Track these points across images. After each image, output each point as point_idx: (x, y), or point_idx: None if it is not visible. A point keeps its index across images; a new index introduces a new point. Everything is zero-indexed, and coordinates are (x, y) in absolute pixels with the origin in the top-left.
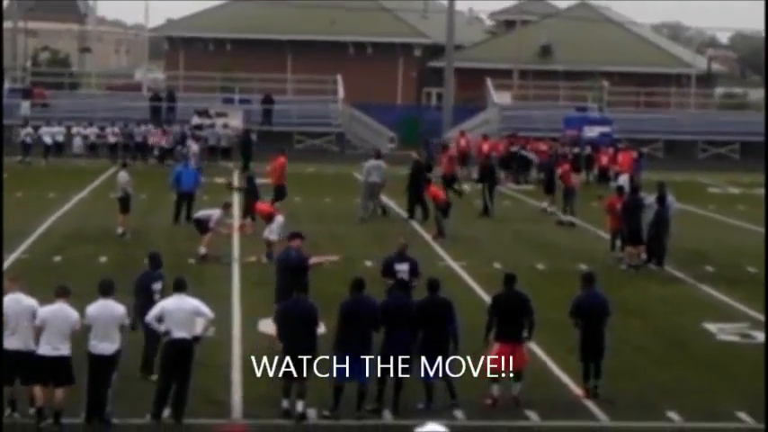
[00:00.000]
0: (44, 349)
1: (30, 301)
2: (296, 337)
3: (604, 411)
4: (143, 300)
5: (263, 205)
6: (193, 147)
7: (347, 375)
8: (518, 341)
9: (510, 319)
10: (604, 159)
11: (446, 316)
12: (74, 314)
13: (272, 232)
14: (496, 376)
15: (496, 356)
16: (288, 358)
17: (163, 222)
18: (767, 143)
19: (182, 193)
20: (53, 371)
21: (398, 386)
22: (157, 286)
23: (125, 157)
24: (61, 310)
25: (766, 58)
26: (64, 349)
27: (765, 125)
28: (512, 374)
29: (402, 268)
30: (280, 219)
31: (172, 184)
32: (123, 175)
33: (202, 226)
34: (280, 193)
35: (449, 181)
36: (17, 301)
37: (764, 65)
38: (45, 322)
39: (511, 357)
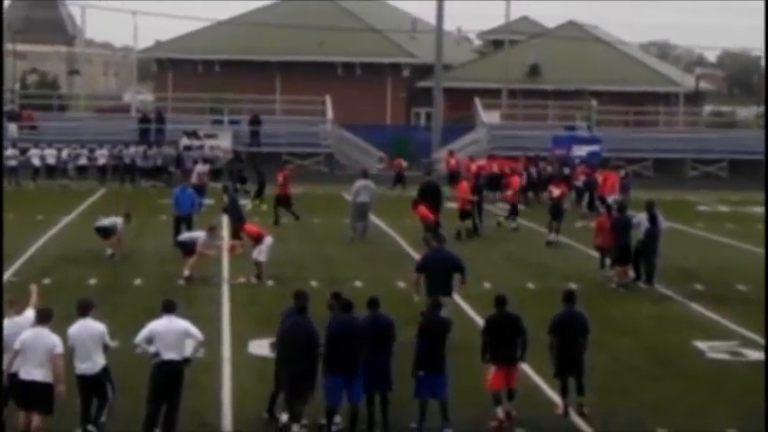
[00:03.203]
0: (21, 374)
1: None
2: (293, 359)
3: (594, 430)
4: None
5: (251, 226)
6: (199, 167)
7: (339, 397)
8: (512, 362)
9: (503, 340)
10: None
11: (446, 335)
12: (52, 339)
13: (261, 253)
14: (499, 399)
15: (494, 379)
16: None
17: (152, 244)
18: (767, 156)
19: (179, 216)
20: (28, 396)
21: (385, 405)
22: None
23: (114, 178)
24: (39, 335)
25: (767, 65)
26: (38, 375)
27: (766, 138)
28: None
29: None
30: (269, 240)
31: (172, 207)
32: (120, 221)
33: (187, 248)
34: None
35: (282, 202)
36: (15, 324)
37: (765, 72)
38: (23, 347)
39: (505, 379)
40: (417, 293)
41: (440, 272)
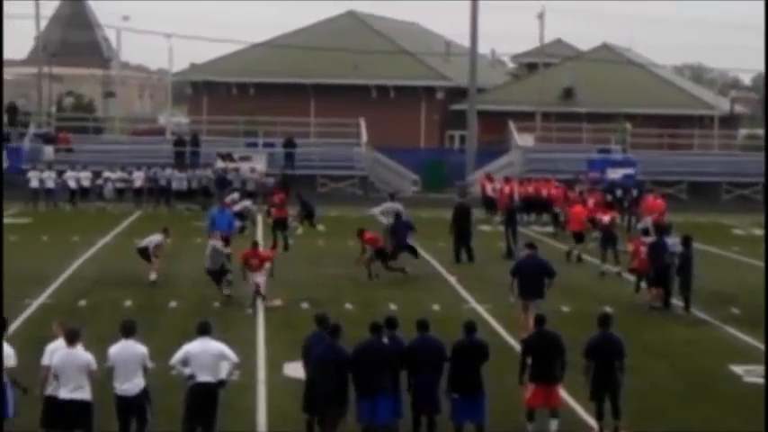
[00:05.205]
0: (60, 394)
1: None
2: (327, 382)
3: None
4: None
5: (265, 252)
6: (248, 203)
7: (370, 417)
8: (552, 382)
9: (543, 359)
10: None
11: (483, 357)
12: (86, 356)
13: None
14: (532, 416)
15: (532, 397)
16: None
17: (188, 266)
18: (767, 158)
19: None
20: (68, 415)
21: (431, 427)
22: None
23: (150, 201)
24: (72, 355)
25: (767, 64)
26: (76, 394)
27: (765, 141)
28: (548, 412)
29: None
30: (267, 266)
31: (208, 228)
32: (157, 237)
33: (216, 275)
34: None
35: (280, 225)
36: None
37: (765, 72)
38: (56, 370)
39: (545, 398)
40: (511, 295)
41: (532, 275)
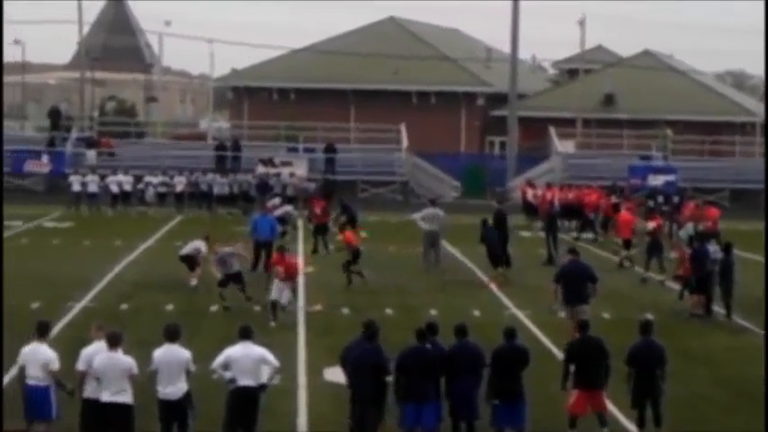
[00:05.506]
0: (102, 397)
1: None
2: (365, 385)
3: None
4: None
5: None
6: (289, 208)
7: (413, 422)
8: (597, 387)
9: (587, 365)
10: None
11: (523, 363)
12: (128, 360)
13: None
14: (574, 423)
15: (575, 403)
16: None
17: None
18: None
19: (259, 241)
20: (108, 418)
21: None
22: None
23: (191, 205)
24: (113, 359)
25: (766, 65)
26: (118, 397)
27: (765, 139)
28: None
29: None
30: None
31: (250, 233)
32: (203, 246)
33: (235, 280)
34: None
35: (321, 231)
36: (102, 349)
37: (765, 73)
38: (97, 372)
39: (590, 404)
40: (555, 302)
41: (575, 281)
